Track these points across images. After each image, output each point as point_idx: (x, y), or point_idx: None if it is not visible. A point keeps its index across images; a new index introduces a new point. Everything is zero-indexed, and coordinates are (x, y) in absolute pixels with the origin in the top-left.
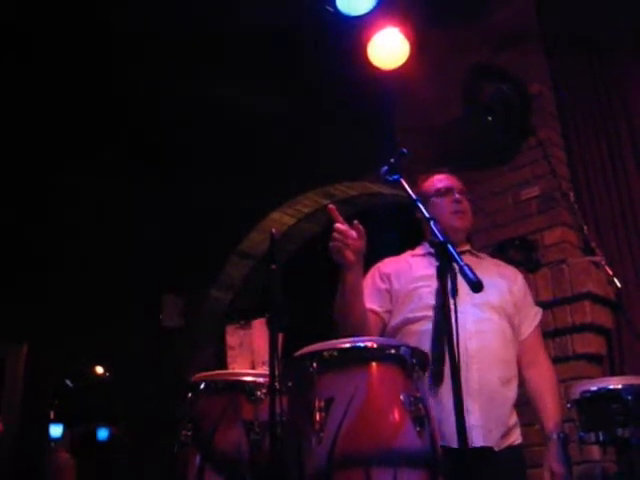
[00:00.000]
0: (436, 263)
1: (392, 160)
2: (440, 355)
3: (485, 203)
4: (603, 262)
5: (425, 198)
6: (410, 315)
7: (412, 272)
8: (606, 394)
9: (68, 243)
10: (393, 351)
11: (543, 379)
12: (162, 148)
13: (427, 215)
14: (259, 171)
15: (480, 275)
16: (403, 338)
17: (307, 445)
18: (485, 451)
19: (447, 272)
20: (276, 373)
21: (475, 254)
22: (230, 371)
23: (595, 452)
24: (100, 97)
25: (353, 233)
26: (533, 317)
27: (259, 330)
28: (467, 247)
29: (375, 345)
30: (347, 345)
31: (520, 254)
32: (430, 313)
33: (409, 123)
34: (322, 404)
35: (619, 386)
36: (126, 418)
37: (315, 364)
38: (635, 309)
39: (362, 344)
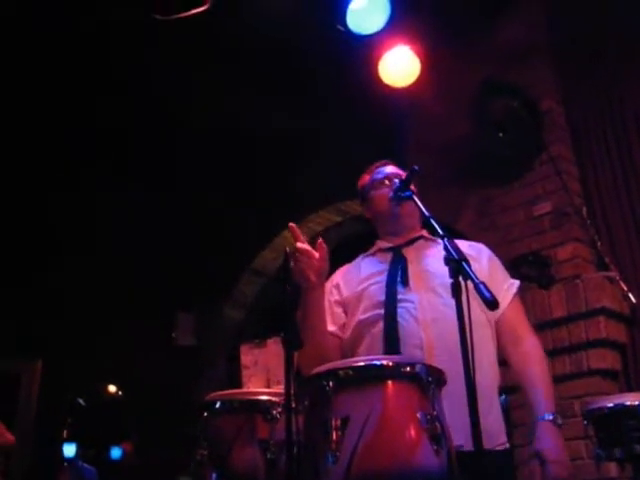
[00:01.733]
0: (385, 258)
1: (404, 177)
2: (396, 354)
3: (498, 219)
4: (617, 277)
5: (365, 194)
6: (362, 317)
7: (360, 274)
8: (623, 410)
9: (82, 260)
10: (409, 369)
11: (528, 356)
12: (178, 165)
13: (441, 232)
14: (272, 189)
15: (433, 259)
16: (357, 343)
17: (323, 464)
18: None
19: (460, 289)
20: (291, 392)
21: (431, 239)
22: (245, 390)
23: (613, 469)
24: (105, 116)
25: (316, 253)
26: (506, 290)
27: (274, 349)
28: (420, 232)
29: (391, 363)
30: (363, 364)
31: (534, 270)
32: (381, 311)
33: (421, 140)
34: (338, 423)
35: (636, 402)
36: (139, 437)
37: (331, 383)
38: None
39: (378, 362)
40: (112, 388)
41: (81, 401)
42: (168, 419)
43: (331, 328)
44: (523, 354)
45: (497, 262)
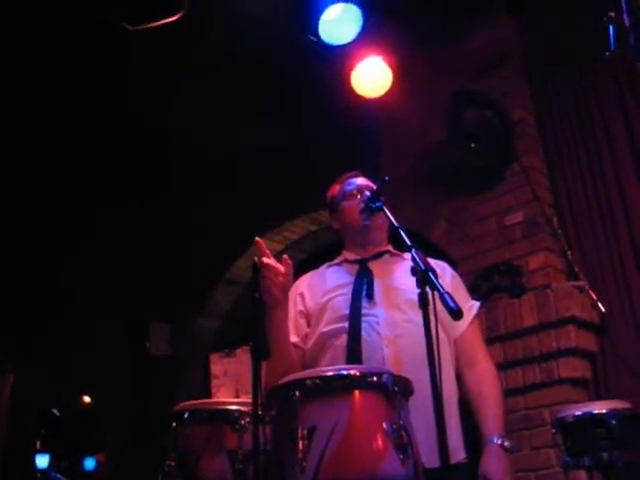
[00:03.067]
0: (351, 270)
1: (375, 188)
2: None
3: (470, 229)
4: (587, 286)
5: (334, 205)
6: (325, 329)
7: (325, 284)
8: (591, 419)
9: (53, 272)
10: (375, 379)
11: (482, 379)
12: (149, 176)
13: (409, 243)
14: (246, 198)
15: (399, 275)
16: (320, 355)
17: (290, 474)
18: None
19: (427, 301)
20: (259, 401)
21: (397, 254)
22: (214, 400)
23: (582, 477)
24: (87, 125)
25: (281, 268)
26: (467, 311)
27: (243, 359)
28: (387, 247)
29: (358, 373)
30: (330, 373)
31: (505, 279)
32: (345, 324)
33: (393, 150)
34: (305, 432)
35: (603, 411)
36: (112, 447)
37: (298, 393)
38: (619, 333)
39: (345, 372)
40: (87, 399)
41: (55, 412)
42: (142, 429)
43: (294, 339)
44: (477, 377)
45: (460, 282)
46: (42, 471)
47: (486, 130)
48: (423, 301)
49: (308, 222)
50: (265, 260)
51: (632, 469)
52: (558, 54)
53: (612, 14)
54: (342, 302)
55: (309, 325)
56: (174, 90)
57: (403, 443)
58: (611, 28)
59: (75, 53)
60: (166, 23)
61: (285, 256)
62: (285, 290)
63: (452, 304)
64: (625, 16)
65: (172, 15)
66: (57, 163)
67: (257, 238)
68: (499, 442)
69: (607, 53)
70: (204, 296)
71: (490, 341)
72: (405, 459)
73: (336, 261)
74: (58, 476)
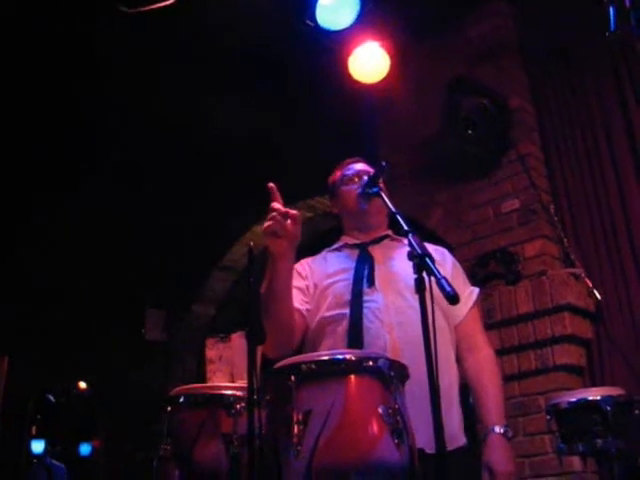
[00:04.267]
0: (351, 255)
1: (372, 173)
2: None
3: (467, 216)
4: (583, 274)
5: (335, 190)
6: (327, 314)
7: (327, 268)
8: (585, 405)
9: (51, 257)
10: (371, 363)
11: (482, 366)
12: (145, 163)
13: (406, 228)
14: (241, 185)
15: (399, 260)
16: (320, 340)
17: (285, 458)
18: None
19: (424, 284)
20: (254, 386)
21: (397, 239)
22: (209, 384)
23: (576, 463)
24: (78, 116)
25: (293, 212)
26: (467, 297)
27: (238, 343)
28: (386, 232)
29: (354, 358)
30: (325, 358)
31: (501, 266)
32: (346, 310)
33: (391, 136)
34: (300, 417)
35: (598, 397)
36: (108, 433)
37: (293, 377)
38: (614, 320)
39: (341, 356)
40: (83, 384)
41: (51, 397)
42: (138, 415)
43: (299, 307)
44: (477, 364)
45: (460, 268)
46: (38, 456)
47: (483, 118)
48: (420, 286)
49: (304, 209)
50: (275, 204)
51: (625, 455)
52: (555, 42)
53: None
54: (343, 287)
55: (312, 300)
56: (169, 77)
57: (398, 428)
58: (611, 9)
59: (71, 40)
60: (162, 7)
61: (294, 211)
62: (293, 241)
63: (449, 288)
64: None
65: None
66: (48, 152)
67: (270, 184)
68: (501, 431)
69: (607, 34)
70: (200, 282)
71: (486, 328)
72: (400, 444)
73: (336, 246)
74: (54, 462)
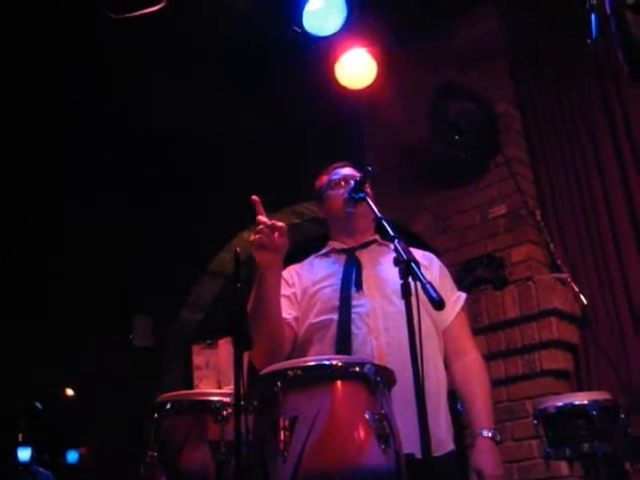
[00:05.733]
0: (338, 260)
1: (358, 178)
2: None
3: (454, 222)
4: (569, 279)
5: (321, 194)
6: (315, 320)
7: (314, 274)
8: (572, 410)
9: (37, 262)
10: (357, 369)
11: (470, 370)
12: (131, 168)
13: (392, 234)
14: (229, 190)
15: (387, 265)
16: (308, 347)
17: (272, 465)
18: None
19: (409, 290)
20: (241, 392)
21: (384, 244)
22: (196, 391)
23: (563, 468)
24: (69, 121)
25: (279, 225)
26: (454, 302)
27: (225, 349)
28: (374, 237)
29: (340, 363)
30: (312, 363)
31: (488, 272)
32: (334, 316)
33: (378, 142)
34: (287, 423)
35: (585, 402)
36: (95, 440)
37: (280, 383)
38: (601, 325)
39: (327, 362)
40: (70, 391)
41: (38, 405)
42: (126, 422)
43: (287, 316)
44: (465, 368)
45: (447, 274)
46: (24, 464)
47: (470, 123)
48: (405, 291)
49: (291, 215)
50: (261, 217)
51: (612, 459)
52: (541, 49)
53: (594, 1)
54: (331, 293)
55: (299, 308)
56: (156, 81)
57: (385, 433)
58: (593, 16)
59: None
60: (147, 13)
61: (281, 223)
62: (280, 253)
63: (434, 294)
64: (606, 3)
65: (153, 5)
66: (39, 157)
67: (254, 196)
68: (490, 435)
69: (589, 41)
70: (187, 288)
71: (473, 333)
72: (387, 449)
73: (323, 251)
74: (40, 469)
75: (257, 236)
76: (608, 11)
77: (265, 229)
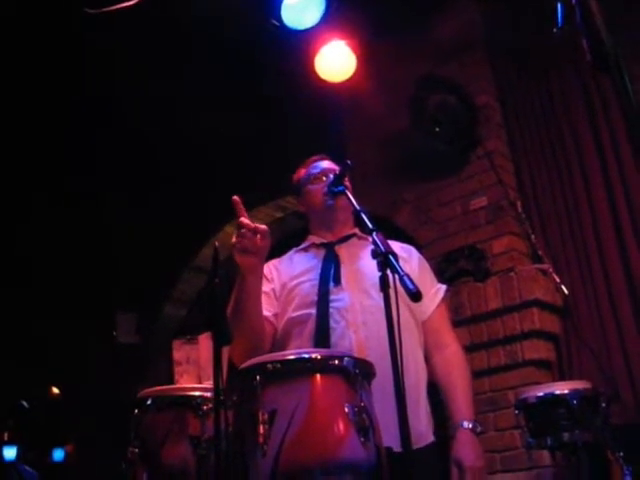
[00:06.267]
0: (317, 254)
1: (337, 172)
2: None
3: (435, 214)
4: (550, 269)
5: (300, 188)
6: (294, 315)
7: (293, 269)
8: (552, 399)
9: (21, 263)
10: (337, 362)
11: (450, 363)
12: (115, 163)
13: (371, 226)
14: (211, 185)
15: (366, 259)
16: (287, 342)
17: (252, 458)
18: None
19: (388, 282)
20: (220, 387)
21: (364, 237)
22: (176, 386)
23: (545, 457)
24: (56, 118)
25: (261, 228)
26: (433, 295)
27: (205, 345)
28: (353, 230)
29: (319, 356)
30: (291, 357)
31: (469, 263)
32: (312, 310)
33: (358, 135)
34: (266, 417)
35: (565, 391)
36: (80, 437)
37: (259, 377)
38: (582, 315)
39: (306, 355)
40: (55, 390)
41: (24, 403)
42: (110, 419)
43: (266, 313)
44: (445, 360)
45: (426, 266)
46: (10, 463)
47: (450, 115)
48: (383, 284)
49: (274, 209)
50: (243, 220)
51: (592, 448)
52: (521, 40)
53: None
54: (309, 288)
55: (278, 304)
56: (138, 74)
57: (365, 426)
58: (559, 5)
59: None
60: (124, 7)
61: (263, 226)
62: (261, 256)
63: (411, 286)
64: None
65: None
66: (25, 153)
67: (235, 197)
68: (470, 426)
69: (554, 30)
70: (170, 284)
71: (455, 324)
72: (366, 442)
73: (303, 246)
74: (26, 468)
75: (239, 240)
76: (573, 0)
77: (247, 232)
